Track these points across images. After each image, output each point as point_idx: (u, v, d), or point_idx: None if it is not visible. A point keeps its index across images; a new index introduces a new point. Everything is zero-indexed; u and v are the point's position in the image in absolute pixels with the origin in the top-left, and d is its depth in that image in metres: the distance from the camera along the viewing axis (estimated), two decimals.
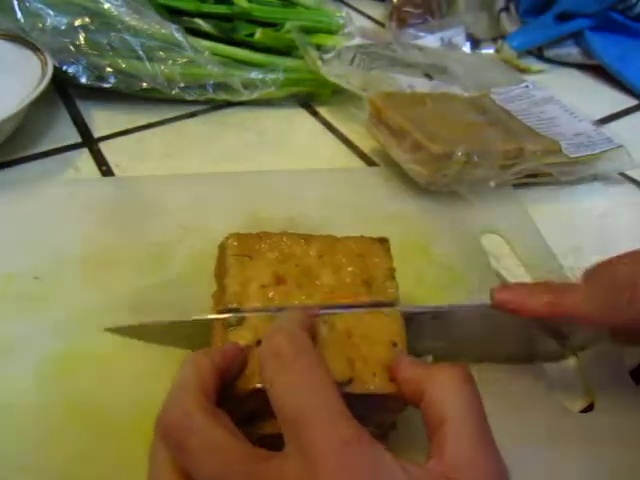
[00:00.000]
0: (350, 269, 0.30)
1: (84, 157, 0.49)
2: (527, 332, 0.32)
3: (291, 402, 0.21)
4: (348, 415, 0.20)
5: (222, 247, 0.32)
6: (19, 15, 0.49)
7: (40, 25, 0.49)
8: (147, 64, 0.50)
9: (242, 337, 0.26)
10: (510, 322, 0.30)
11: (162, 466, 0.22)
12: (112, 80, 0.50)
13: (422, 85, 0.54)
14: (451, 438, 0.21)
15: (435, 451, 0.21)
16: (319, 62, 0.54)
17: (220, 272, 0.31)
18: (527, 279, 0.41)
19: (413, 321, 0.29)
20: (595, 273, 0.29)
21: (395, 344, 0.27)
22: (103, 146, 0.50)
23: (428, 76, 0.55)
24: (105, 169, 0.48)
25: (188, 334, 0.30)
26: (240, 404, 0.25)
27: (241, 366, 0.25)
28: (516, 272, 0.41)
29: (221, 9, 0.56)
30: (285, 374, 0.22)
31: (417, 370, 0.24)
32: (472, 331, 0.32)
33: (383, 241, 0.32)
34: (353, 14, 0.73)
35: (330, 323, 0.27)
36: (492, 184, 0.45)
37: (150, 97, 0.54)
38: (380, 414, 0.27)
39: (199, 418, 0.21)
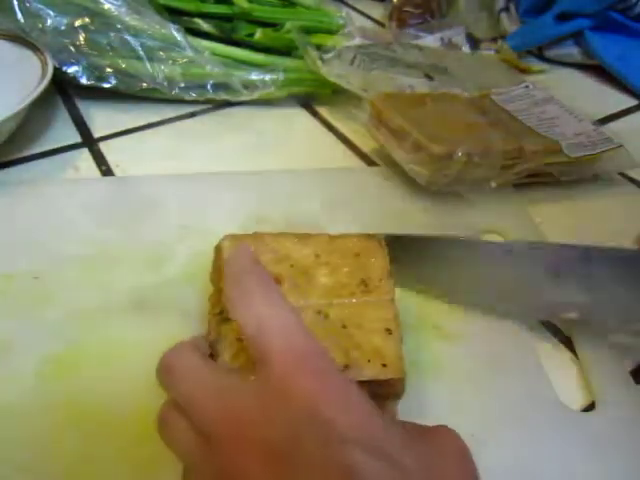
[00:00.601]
0: (346, 269, 0.30)
1: (84, 157, 0.49)
2: None
3: (250, 320, 0.23)
4: (303, 329, 0.22)
5: (217, 249, 0.32)
6: (19, 15, 0.49)
7: (40, 25, 0.49)
8: (147, 64, 0.50)
9: (236, 330, 0.26)
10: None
11: (176, 428, 0.23)
12: (112, 80, 0.50)
13: (422, 85, 0.54)
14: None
15: None
16: (319, 62, 0.54)
17: (216, 275, 0.31)
18: None
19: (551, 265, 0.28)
20: None
21: (389, 331, 0.27)
22: (103, 146, 0.50)
23: (428, 76, 0.55)
24: (105, 169, 0.48)
25: None
26: None
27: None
28: None
29: (221, 9, 0.56)
30: (243, 298, 0.24)
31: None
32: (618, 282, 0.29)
33: (379, 238, 0.32)
34: (353, 14, 0.73)
35: (324, 313, 0.27)
36: (493, 184, 0.45)
37: (150, 97, 0.54)
38: (378, 402, 0.27)
39: (187, 353, 0.24)
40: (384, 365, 0.26)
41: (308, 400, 0.20)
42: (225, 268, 0.26)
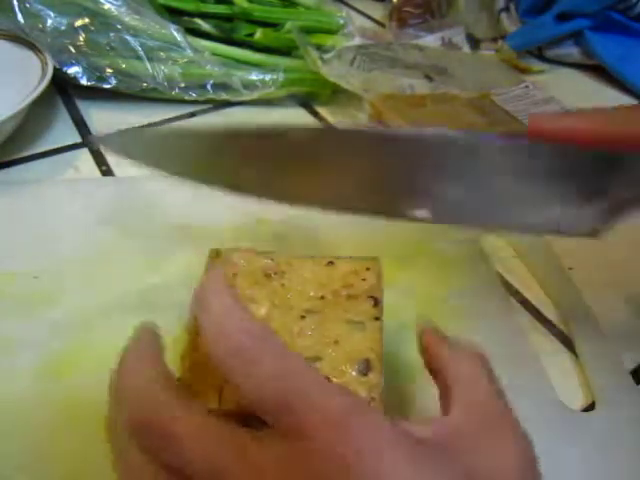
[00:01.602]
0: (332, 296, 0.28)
1: (84, 157, 0.49)
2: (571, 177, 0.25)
3: (271, 392, 0.19)
4: (338, 387, 0.20)
5: (206, 269, 0.31)
6: (19, 16, 0.49)
7: (40, 26, 0.49)
8: (147, 64, 0.50)
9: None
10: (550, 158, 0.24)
11: (141, 473, 0.20)
12: (112, 81, 0.50)
13: (422, 86, 0.54)
14: (457, 412, 0.21)
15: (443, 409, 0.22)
16: (319, 62, 0.54)
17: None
18: (529, 279, 0.41)
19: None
20: None
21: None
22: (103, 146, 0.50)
23: (428, 77, 0.55)
24: (105, 169, 0.48)
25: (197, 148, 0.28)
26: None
27: None
28: (518, 271, 0.41)
29: (221, 9, 0.56)
30: (257, 367, 0.20)
31: (440, 346, 0.24)
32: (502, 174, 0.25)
33: (374, 261, 0.30)
34: (353, 14, 0.73)
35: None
36: None
37: (150, 97, 0.54)
38: None
39: (177, 404, 0.20)
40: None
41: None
42: (202, 318, 0.21)
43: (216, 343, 0.21)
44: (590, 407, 0.33)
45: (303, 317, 0.27)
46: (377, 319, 0.27)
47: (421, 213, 0.27)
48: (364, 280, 0.29)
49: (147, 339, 0.23)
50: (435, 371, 0.24)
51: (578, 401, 0.33)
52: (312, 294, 0.28)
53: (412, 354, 0.26)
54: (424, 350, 0.24)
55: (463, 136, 0.24)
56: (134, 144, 0.29)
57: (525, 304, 0.39)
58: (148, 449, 0.20)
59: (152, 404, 0.20)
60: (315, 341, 0.26)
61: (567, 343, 0.37)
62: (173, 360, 0.25)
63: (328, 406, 0.18)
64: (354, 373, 0.25)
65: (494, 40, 0.70)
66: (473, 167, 0.25)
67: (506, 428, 0.21)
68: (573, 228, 0.27)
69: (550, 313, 0.39)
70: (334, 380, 0.24)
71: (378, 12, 0.79)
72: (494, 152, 0.24)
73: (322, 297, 0.28)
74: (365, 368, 0.25)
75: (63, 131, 0.51)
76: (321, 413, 0.18)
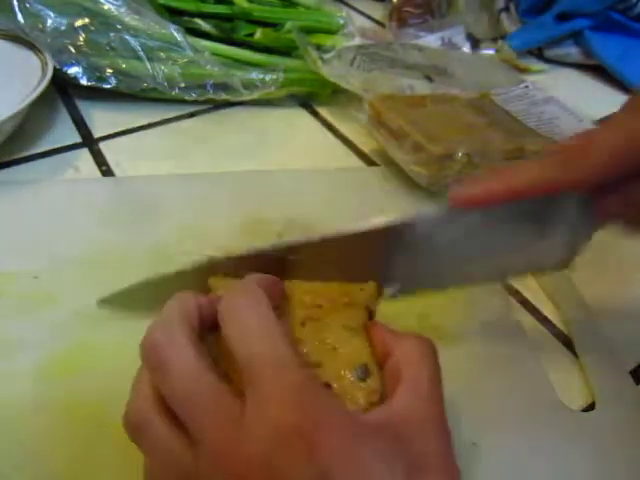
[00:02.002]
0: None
1: (84, 157, 0.49)
2: (503, 233, 0.27)
3: (241, 350, 0.22)
4: (296, 361, 0.22)
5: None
6: (19, 16, 0.49)
7: (40, 26, 0.49)
8: (147, 64, 0.50)
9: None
10: (480, 221, 0.27)
11: (140, 385, 0.23)
12: (112, 81, 0.50)
13: (422, 87, 0.54)
14: (403, 391, 0.23)
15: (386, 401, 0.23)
16: (319, 62, 0.54)
17: None
18: (529, 279, 0.40)
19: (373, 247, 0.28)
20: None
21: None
22: (103, 146, 0.50)
23: (428, 78, 0.55)
24: (105, 169, 0.48)
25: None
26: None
27: None
28: None
29: (221, 9, 0.56)
30: (235, 323, 0.23)
31: (387, 334, 0.26)
32: (437, 245, 0.28)
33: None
34: (353, 14, 0.73)
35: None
36: None
37: (150, 97, 0.54)
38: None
39: (181, 341, 0.22)
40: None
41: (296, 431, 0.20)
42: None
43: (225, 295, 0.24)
44: (590, 407, 0.33)
45: (303, 324, 0.27)
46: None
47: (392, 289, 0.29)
48: (362, 290, 0.29)
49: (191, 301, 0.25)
50: (384, 355, 0.25)
51: (578, 401, 0.33)
52: (310, 302, 0.28)
53: None
54: (373, 341, 0.26)
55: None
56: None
57: (525, 304, 0.39)
58: (148, 368, 0.23)
59: (164, 331, 0.23)
60: (314, 347, 0.26)
61: (567, 343, 0.37)
62: None
63: (281, 378, 0.21)
64: (352, 378, 0.25)
65: (494, 40, 0.71)
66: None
67: (442, 417, 0.23)
68: (543, 265, 0.29)
69: (550, 313, 0.39)
70: (334, 386, 0.24)
71: (378, 12, 0.79)
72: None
73: (320, 306, 0.28)
74: (363, 373, 0.25)
75: (63, 131, 0.51)
76: (274, 384, 0.21)
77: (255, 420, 0.20)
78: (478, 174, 0.26)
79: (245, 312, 0.23)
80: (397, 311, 0.36)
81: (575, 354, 0.36)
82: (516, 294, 0.40)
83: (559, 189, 0.26)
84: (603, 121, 0.53)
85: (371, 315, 0.28)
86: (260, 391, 0.21)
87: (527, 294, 0.40)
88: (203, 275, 0.29)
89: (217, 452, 0.20)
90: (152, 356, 0.23)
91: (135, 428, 0.23)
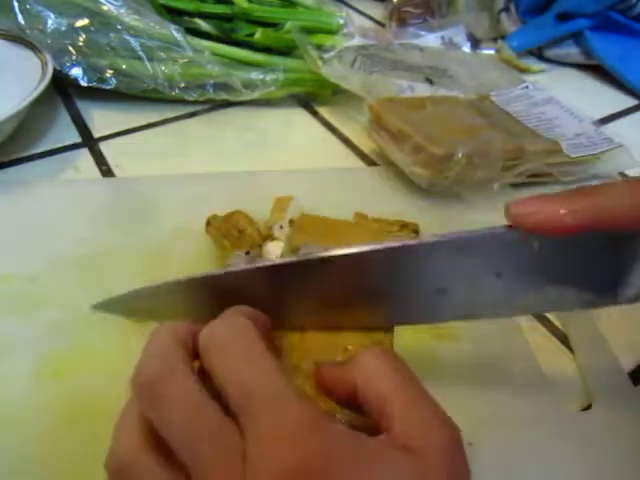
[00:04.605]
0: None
1: (84, 157, 0.49)
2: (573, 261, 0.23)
3: (231, 387, 0.20)
4: (293, 394, 0.20)
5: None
6: (19, 17, 0.49)
7: (40, 27, 0.49)
8: (147, 64, 0.50)
9: None
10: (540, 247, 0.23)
11: (127, 424, 0.22)
12: (113, 81, 0.50)
13: (423, 89, 0.54)
14: (397, 410, 0.21)
15: (384, 428, 0.21)
16: (319, 62, 0.54)
17: None
18: None
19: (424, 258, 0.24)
20: None
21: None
22: (103, 146, 0.50)
23: (429, 80, 0.55)
24: (105, 169, 0.48)
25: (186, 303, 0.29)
26: None
27: None
28: None
29: (221, 9, 0.56)
30: (220, 356, 0.21)
31: (339, 368, 0.24)
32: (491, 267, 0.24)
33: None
34: (353, 14, 0.73)
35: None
36: (495, 186, 0.45)
37: (150, 97, 0.54)
38: None
39: (182, 374, 0.21)
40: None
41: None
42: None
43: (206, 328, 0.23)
44: (588, 407, 0.33)
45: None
46: (389, 330, 0.28)
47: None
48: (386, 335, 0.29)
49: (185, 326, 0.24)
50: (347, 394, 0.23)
51: (576, 401, 0.33)
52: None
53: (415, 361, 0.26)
54: (328, 383, 0.24)
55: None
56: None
57: None
58: (141, 401, 0.21)
59: (160, 360, 0.22)
60: (326, 345, 0.26)
61: (567, 343, 0.37)
62: None
63: (283, 417, 0.19)
64: None
65: (494, 40, 0.71)
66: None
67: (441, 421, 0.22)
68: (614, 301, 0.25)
69: (550, 313, 0.39)
70: None
71: (378, 12, 0.79)
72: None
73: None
74: None
75: (63, 131, 0.51)
76: (277, 426, 0.19)
77: (259, 459, 0.19)
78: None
79: (231, 343, 0.21)
80: None
81: (573, 354, 0.36)
82: None
83: None
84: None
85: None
86: (259, 428, 0.19)
87: None
88: (197, 289, 0.28)
89: None
90: (150, 392, 0.21)
91: (124, 471, 0.21)
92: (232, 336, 0.22)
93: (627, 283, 0.24)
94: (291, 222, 0.37)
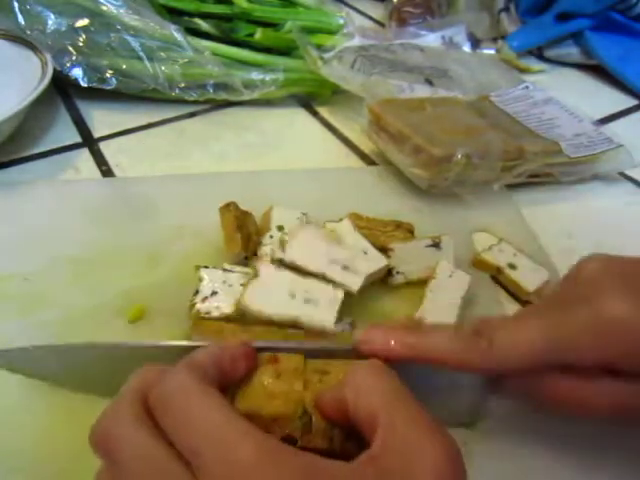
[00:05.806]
0: None
1: (84, 157, 0.49)
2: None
3: (183, 449, 0.21)
4: (239, 434, 0.20)
5: None
6: (20, 17, 0.49)
7: (40, 27, 0.49)
8: (147, 64, 0.50)
9: None
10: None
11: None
12: (113, 81, 0.50)
13: (422, 90, 0.54)
14: (381, 430, 0.21)
15: (372, 445, 0.21)
16: (319, 62, 0.54)
17: None
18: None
19: None
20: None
21: None
22: (103, 146, 0.50)
23: (429, 81, 0.55)
24: (105, 169, 0.48)
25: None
26: None
27: None
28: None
29: (221, 9, 0.56)
30: (168, 420, 0.21)
31: (331, 391, 0.24)
32: None
33: None
34: (353, 14, 0.73)
35: (323, 371, 0.26)
36: (495, 187, 0.45)
37: (150, 97, 0.54)
38: None
39: (131, 427, 0.22)
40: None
41: None
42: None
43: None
44: None
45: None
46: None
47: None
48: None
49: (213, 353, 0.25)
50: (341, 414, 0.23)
51: None
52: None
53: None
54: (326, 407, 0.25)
55: None
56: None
57: (519, 300, 0.39)
58: (99, 456, 0.22)
59: (109, 417, 0.23)
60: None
61: None
62: None
63: (236, 456, 0.20)
64: None
65: (494, 40, 0.71)
66: None
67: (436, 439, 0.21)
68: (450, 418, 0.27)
69: None
70: None
71: (378, 12, 0.79)
72: None
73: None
74: None
75: (63, 131, 0.51)
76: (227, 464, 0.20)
77: None
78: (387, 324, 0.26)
79: (171, 403, 0.22)
80: (388, 310, 0.36)
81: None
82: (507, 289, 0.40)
83: (469, 371, 0.26)
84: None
85: None
86: (214, 474, 0.20)
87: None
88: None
89: None
90: (100, 446, 0.22)
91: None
92: (171, 395, 0.22)
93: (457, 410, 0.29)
94: (279, 228, 0.38)
